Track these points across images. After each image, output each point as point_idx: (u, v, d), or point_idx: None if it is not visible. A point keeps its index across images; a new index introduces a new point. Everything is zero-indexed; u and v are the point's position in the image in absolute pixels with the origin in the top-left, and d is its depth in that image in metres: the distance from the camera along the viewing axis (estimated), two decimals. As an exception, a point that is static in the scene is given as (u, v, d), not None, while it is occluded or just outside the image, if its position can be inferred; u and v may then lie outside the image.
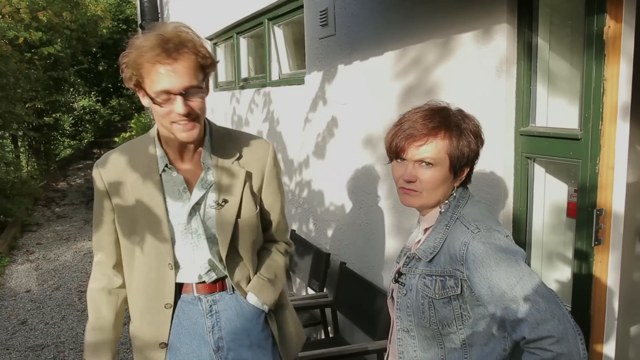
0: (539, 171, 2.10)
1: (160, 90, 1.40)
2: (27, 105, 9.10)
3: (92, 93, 14.68)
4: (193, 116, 1.47)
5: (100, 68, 14.03)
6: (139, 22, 9.93)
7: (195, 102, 1.46)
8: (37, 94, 9.61)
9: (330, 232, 3.60)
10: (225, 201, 1.64)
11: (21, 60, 8.16)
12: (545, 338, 1.15)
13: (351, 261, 3.31)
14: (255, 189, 1.71)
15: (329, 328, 3.45)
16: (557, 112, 2.06)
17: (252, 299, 1.75)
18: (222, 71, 6.10)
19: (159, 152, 1.61)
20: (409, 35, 2.59)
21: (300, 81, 3.85)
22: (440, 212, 1.38)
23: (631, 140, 1.79)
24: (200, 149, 1.63)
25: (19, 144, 11.22)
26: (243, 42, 5.37)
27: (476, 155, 1.37)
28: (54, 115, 10.94)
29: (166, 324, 1.69)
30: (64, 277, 5.65)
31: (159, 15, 8.91)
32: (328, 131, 3.47)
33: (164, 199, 1.62)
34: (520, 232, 2.13)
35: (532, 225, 2.14)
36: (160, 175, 1.61)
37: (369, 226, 3.13)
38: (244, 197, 1.67)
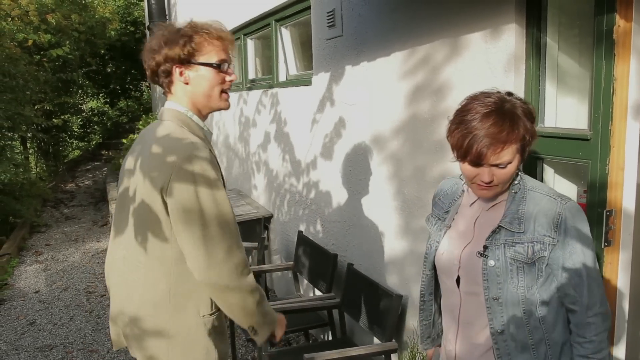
0: (548, 171, 2.09)
1: (223, 59, 1.73)
2: (35, 107, 9.16)
3: (101, 95, 14.77)
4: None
5: (109, 70, 14.11)
6: (147, 23, 9.98)
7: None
8: (46, 96, 9.68)
9: (337, 233, 3.60)
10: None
11: (30, 63, 8.22)
12: (598, 314, 1.46)
13: (358, 262, 3.30)
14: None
15: (336, 329, 3.44)
16: (567, 112, 2.04)
17: None
18: (230, 72, 6.11)
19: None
20: (415, 36, 2.58)
21: (307, 82, 3.84)
22: (512, 190, 1.53)
23: (641, 141, 1.77)
24: None
25: (28, 145, 11.29)
26: (250, 44, 5.38)
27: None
28: (62, 117, 11.03)
29: None
30: (72, 278, 5.67)
31: (167, 17, 8.96)
32: (335, 132, 3.46)
33: None
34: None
35: (541, 226, 2.12)
36: None
37: (376, 227, 3.12)
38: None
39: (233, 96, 5.61)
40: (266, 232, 4.55)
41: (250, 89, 5.17)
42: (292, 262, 3.98)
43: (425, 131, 2.59)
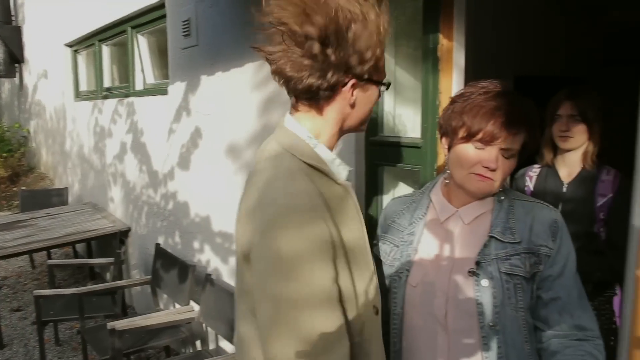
0: (387, 177, 2.24)
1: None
2: None
3: None
4: None
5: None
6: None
7: None
8: None
9: (196, 244, 3.54)
10: None
11: None
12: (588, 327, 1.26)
13: (218, 272, 3.28)
14: None
15: (198, 342, 3.38)
16: (403, 122, 2.21)
17: None
18: (84, 80, 5.80)
19: None
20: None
21: (163, 91, 3.76)
22: (499, 198, 1.34)
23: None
24: None
25: None
26: (106, 50, 5.15)
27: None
28: None
29: None
30: None
31: (12, 18, 8.28)
32: (192, 142, 3.42)
33: None
34: (373, 236, 2.25)
35: (383, 228, 2.26)
36: None
37: (232, 237, 3.12)
38: None
39: (87, 105, 5.32)
40: (123, 246, 4.35)
41: (105, 97, 4.94)
42: (150, 277, 3.84)
43: (279, 140, 2.65)
